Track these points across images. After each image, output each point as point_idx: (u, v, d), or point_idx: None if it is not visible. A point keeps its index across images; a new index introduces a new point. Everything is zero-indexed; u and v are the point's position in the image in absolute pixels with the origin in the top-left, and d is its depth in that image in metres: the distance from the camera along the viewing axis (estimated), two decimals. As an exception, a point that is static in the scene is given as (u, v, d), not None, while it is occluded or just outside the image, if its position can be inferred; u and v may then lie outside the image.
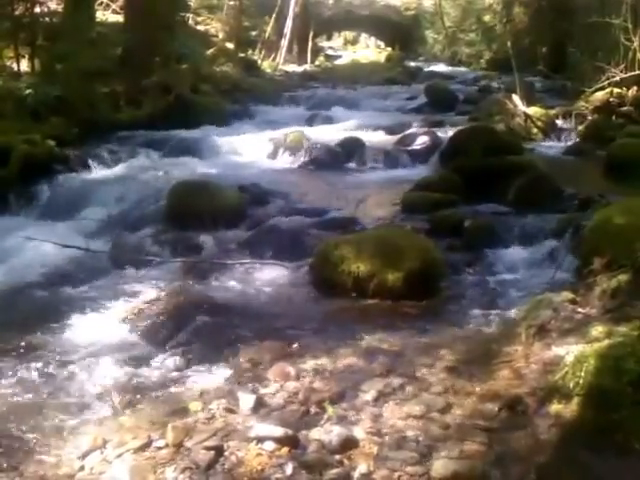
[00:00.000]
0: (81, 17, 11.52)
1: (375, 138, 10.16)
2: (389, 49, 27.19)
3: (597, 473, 2.65)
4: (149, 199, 7.10)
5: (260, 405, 3.16)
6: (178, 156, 8.92)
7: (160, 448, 2.85)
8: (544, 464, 2.68)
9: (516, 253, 5.51)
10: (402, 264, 4.77)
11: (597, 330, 3.43)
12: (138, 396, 3.40)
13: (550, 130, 10.59)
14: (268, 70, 18.77)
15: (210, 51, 16.66)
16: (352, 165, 9.17)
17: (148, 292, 4.77)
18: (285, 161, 9.33)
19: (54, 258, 5.61)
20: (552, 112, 11.03)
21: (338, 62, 24.26)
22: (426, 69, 21.58)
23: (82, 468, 2.79)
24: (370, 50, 28.88)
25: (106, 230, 6.38)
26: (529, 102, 10.95)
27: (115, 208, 7.08)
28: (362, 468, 2.68)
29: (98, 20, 14.15)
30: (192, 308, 4.48)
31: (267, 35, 20.49)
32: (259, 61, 18.89)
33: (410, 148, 9.39)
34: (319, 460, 2.73)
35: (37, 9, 11.22)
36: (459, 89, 15.67)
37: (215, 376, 3.58)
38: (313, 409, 3.14)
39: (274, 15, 20.66)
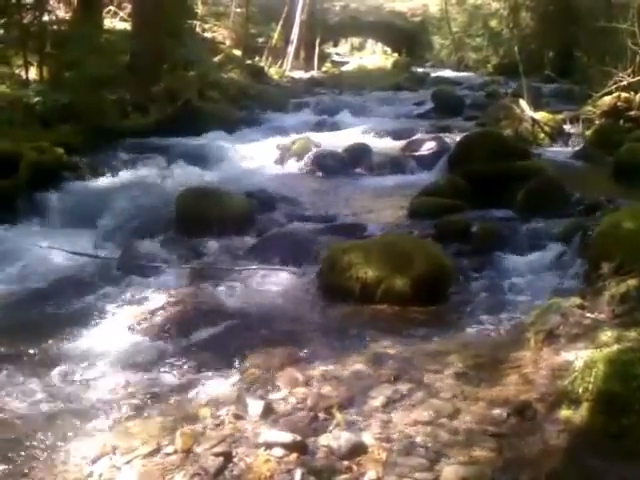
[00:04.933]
0: (89, 25, 11.61)
1: (382, 144, 10.17)
2: (396, 55, 27.17)
3: (607, 479, 2.64)
4: (157, 206, 7.12)
5: (269, 411, 3.15)
6: (186, 163, 8.94)
7: (169, 454, 2.85)
8: (553, 470, 2.66)
9: (524, 258, 5.50)
10: (410, 270, 4.77)
11: (606, 335, 3.41)
12: (147, 402, 3.41)
13: (557, 135, 10.57)
14: (275, 77, 18.80)
15: (217, 58, 16.72)
16: (359, 171, 9.17)
17: (157, 298, 4.79)
18: (292, 167, 9.35)
19: (63, 265, 5.64)
20: (559, 117, 11.01)
21: (345, 68, 24.24)
22: (433, 75, 21.56)
23: (91, 474, 2.79)
24: (377, 56, 28.84)
25: (115, 237, 6.41)
26: (536, 107, 10.94)
27: (124, 215, 7.10)
28: (371, 474, 2.67)
29: (106, 28, 14.24)
30: (200, 314, 4.50)
31: (274, 42, 20.54)
32: (266, 68, 18.92)
33: (417, 154, 9.39)
34: (328, 466, 2.72)
35: (45, 17, 11.30)
36: (466, 94, 15.66)
37: (223, 382, 3.58)
38: (321, 415, 3.13)
39: (281, 22, 20.73)
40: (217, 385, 3.55)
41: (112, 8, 16.06)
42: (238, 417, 3.11)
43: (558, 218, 6.10)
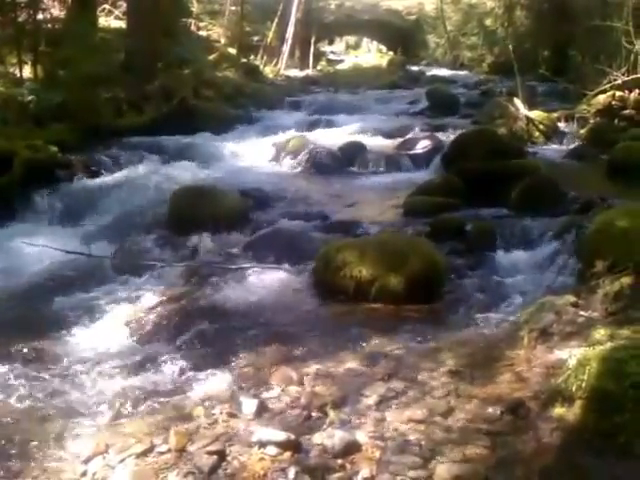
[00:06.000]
0: (83, 23, 11.57)
1: (377, 142, 10.17)
2: (391, 53, 27.19)
3: (600, 476, 2.64)
4: (152, 204, 7.12)
5: (262, 410, 3.16)
6: (180, 161, 8.94)
7: (163, 453, 2.85)
8: (546, 467, 2.67)
9: (518, 256, 5.51)
10: (404, 268, 4.77)
11: (599, 333, 3.42)
12: (141, 401, 3.41)
13: (552, 133, 10.59)
14: (270, 75, 18.79)
15: (212, 56, 16.70)
16: (354, 169, 9.18)
17: (151, 297, 4.79)
18: (287, 166, 9.35)
19: (57, 264, 5.62)
20: (554, 115, 11.03)
21: (340, 67, 24.26)
22: (428, 73, 21.56)
23: (85, 473, 2.79)
24: (372, 54, 28.87)
25: (109, 235, 6.39)
26: (531, 105, 10.95)
27: (118, 213, 7.10)
28: (364, 472, 2.68)
29: (100, 26, 14.21)
30: (194, 313, 4.50)
31: (269, 40, 20.52)
32: (261, 66, 18.91)
33: (412, 152, 9.40)
34: (321, 464, 2.73)
35: (40, 15, 11.28)
36: (461, 93, 15.68)
37: (217, 381, 3.58)
38: (315, 413, 3.14)
39: (276, 20, 20.70)
40: (211, 384, 3.55)
41: (107, 6, 16.01)
42: (232, 416, 3.11)
43: (552, 216, 6.11)
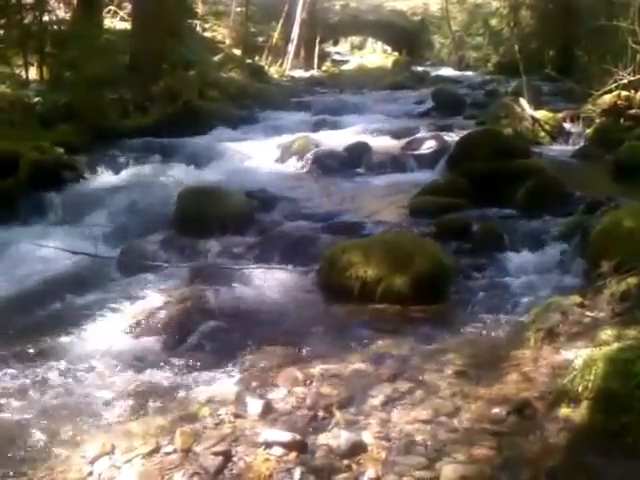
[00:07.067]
0: (89, 25, 11.61)
1: (382, 143, 10.14)
2: (396, 54, 27.15)
3: (606, 477, 2.64)
4: (157, 205, 7.13)
5: (268, 410, 3.15)
6: (186, 162, 8.94)
7: (169, 453, 2.85)
8: (553, 468, 2.66)
9: (524, 257, 5.50)
10: (410, 269, 4.76)
11: (606, 333, 3.42)
12: (147, 402, 3.41)
13: (558, 133, 10.55)
14: (275, 76, 18.81)
15: (217, 57, 16.72)
16: (359, 170, 9.15)
17: (157, 298, 4.79)
18: (292, 166, 9.34)
19: (63, 265, 5.64)
20: (560, 115, 10.98)
21: (345, 67, 24.26)
22: (433, 73, 21.51)
23: (91, 474, 2.79)
24: (377, 55, 28.84)
25: (115, 236, 6.40)
26: (536, 105, 10.93)
27: (124, 214, 7.11)
28: (370, 473, 2.67)
29: (106, 27, 14.26)
30: (200, 313, 4.50)
31: (274, 41, 20.54)
32: (266, 67, 18.92)
33: (417, 152, 9.37)
34: (327, 465, 2.72)
35: (45, 17, 11.31)
36: (466, 93, 15.64)
37: (223, 381, 3.58)
38: (321, 414, 3.13)
39: (281, 21, 20.73)
40: (217, 384, 3.55)
41: (112, 8, 16.06)
42: (238, 416, 3.11)
43: (558, 217, 6.10)
